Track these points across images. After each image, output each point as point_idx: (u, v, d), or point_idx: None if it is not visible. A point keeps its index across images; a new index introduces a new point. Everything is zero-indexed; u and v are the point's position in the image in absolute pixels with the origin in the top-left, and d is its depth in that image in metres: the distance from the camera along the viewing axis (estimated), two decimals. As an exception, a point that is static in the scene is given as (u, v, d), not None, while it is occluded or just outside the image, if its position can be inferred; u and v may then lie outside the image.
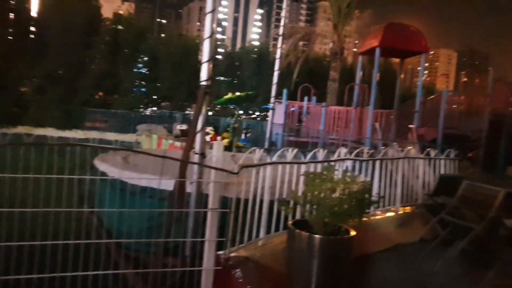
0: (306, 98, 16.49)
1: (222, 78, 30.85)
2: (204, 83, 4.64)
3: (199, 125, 4.58)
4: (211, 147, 5.02)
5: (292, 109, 16.13)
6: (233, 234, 3.72)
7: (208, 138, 13.10)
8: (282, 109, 15.35)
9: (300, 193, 3.90)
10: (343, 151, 5.26)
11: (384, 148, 6.47)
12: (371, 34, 12.71)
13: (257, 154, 4.24)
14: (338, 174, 3.75)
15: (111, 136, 19.01)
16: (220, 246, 3.63)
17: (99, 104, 24.50)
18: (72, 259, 2.82)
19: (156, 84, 27.13)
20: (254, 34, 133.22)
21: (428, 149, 6.84)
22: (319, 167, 4.49)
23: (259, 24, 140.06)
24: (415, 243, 5.13)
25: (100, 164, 5.83)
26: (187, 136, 4.89)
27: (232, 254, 3.71)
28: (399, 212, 5.86)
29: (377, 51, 11.57)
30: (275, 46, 29.00)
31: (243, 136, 15.59)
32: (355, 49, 27.08)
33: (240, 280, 3.50)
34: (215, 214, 3.51)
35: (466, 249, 4.13)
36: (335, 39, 21.79)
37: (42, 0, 25.96)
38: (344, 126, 13.71)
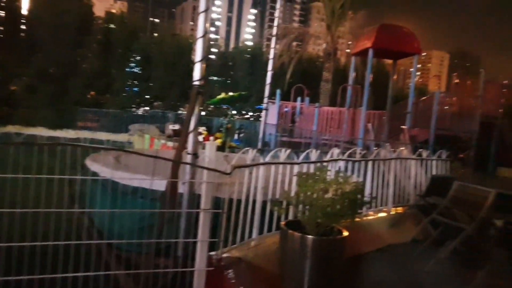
0: (299, 98, 16.52)
1: (215, 78, 30.79)
2: (197, 82, 4.62)
3: (192, 125, 4.56)
4: (203, 147, 5.01)
5: (285, 109, 16.14)
6: (225, 234, 3.71)
7: (201, 138, 13.06)
8: (276, 109, 15.36)
9: (293, 194, 3.90)
10: (335, 151, 5.27)
11: (376, 149, 6.50)
12: (364, 35, 12.76)
13: (250, 154, 4.23)
14: (330, 175, 3.75)
15: (103, 136, 18.87)
16: (212, 246, 3.61)
17: (91, 103, 24.31)
18: (63, 260, 2.79)
19: (149, 84, 27.01)
20: (248, 34, 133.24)
21: (420, 150, 6.89)
22: (312, 168, 4.49)
23: (253, 24, 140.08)
24: (407, 243, 5.16)
25: (92, 164, 5.78)
26: (180, 136, 4.87)
27: (225, 255, 3.70)
28: (391, 213, 5.89)
29: (370, 52, 11.62)
30: (268, 46, 29.01)
31: (236, 136, 15.57)
32: (348, 50, 27.18)
33: (233, 281, 3.48)
34: (208, 214, 3.49)
35: (458, 249, 4.16)
36: (328, 40, 21.85)
37: (34, -2, 25.79)
38: (337, 126, 13.74)
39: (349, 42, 30.00)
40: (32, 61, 23.94)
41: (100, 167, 5.67)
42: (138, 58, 27.51)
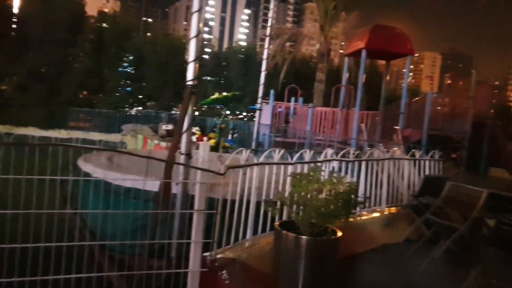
0: (293, 99, 16.54)
1: (208, 78, 30.71)
2: (190, 82, 4.60)
3: (185, 125, 4.54)
4: (197, 148, 4.99)
5: (279, 109, 16.14)
6: (219, 235, 3.69)
7: (194, 138, 13.02)
8: (269, 109, 15.36)
9: (287, 194, 3.89)
10: (329, 152, 5.27)
11: (370, 149, 6.52)
12: (357, 36, 12.80)
13: (244, 154, 4.22)
14: (324, 175, 3.75)
15: (95, 136, 18.72)
16: (206, 247, 3.60)
17: (83, 103, 24.11)
18: (54, 262, 2.75)
19: (142, 84, 26.85)
20: (241, 34, 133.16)
21: (413, 150, 6.92)
22: (306, 168, 4.49)
23: (246, 24, 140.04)
24: (400, 243, 5.18)
25: (84, 165, 5.73)
26: (173, 136, 4.84)
27: (219, 256, 3.68)
28: (384, 213, 5.91)
29: (363, 53, 11.66)
30: (262, 46, 29.01)
31: (229, 137, 15.54)
32: (341, 51, 27.27)
33: (227, 282, 3.47)
34: (201, 215, 3.47)
35: (451, 249, 4.18)
36: (321, 41, 21.91)
37: (25, -3, 25.51)
38: (331, 127, 13.77)
39: (342, 43, 30.10)
40: (23, 60, 23.69)
41: (93, 168, 5.62)
42: (131, 57, 27.34)
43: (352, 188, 3.63)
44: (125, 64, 27.73)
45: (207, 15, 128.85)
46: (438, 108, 12.04)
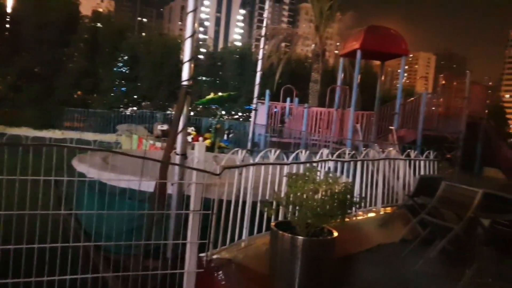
0: (288, 99, 16.54)
1: (204, 78, 30.65)
2: (185, 82, 4.59)
3: (181, 126, 4.52)
4: (192, 148, 4.97)
5: (275, 110, 16.14)
6: (215, 236, 3.68)
7: (189, 138, 12.99)
8: (265, 110, 15.34)
9: (282, 194, 3.89)
10: (325, 152, 5.28)
11: (365, 149, 6.53)
12: (352, 37, 12.83)
13: (240, 155, 4.21)
14: (320, 175, 3.75)
15: (90, 136, 18.64)
16: (202, 248, 3.58)
17: (78, 103, 23.96)
18: (49, 263, 2.73)
19: (137, 84, 26.73)
20: (236, 34, 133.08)
21: (408, 150, 6.95)
22: (301, 168, 4.49)
23: (241, 24, 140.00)
24: (396, 243, 5.19)
25: (78, 165, 5.69)
26: (168, 136, 4.82)
27: (215, 256, 3.67)
28: (380, 213, 5.93)
29: (358, 53, 11.68)
30: (257, 46, 28.97)
31: (225, 137, 15.51)
32: (336, 51, 27.33)
33: (223, 283, 3.46)
34: (197, 216, 3.46)
35: (446, 249, 4.19)
36: (317, 41, 21.94)
37: (18, -4, 25.31)
38: (326, 127, 13.80)
39: (338, 43, 30.17)
40: (17, 60, 23.49)
41: (87, 168, 5.59)
42: (125, 57, 27.22)
43: (348, 188, 3.64)
44: (120, 64, 27.59)
45: (202, 15, 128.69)
46: (433, 108, 12.10)
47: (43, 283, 2.70)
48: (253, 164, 4.11)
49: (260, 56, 10.06)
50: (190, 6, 4.67)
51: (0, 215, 2.58)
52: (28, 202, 2.71)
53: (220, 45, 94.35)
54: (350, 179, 5.47)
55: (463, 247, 4.24)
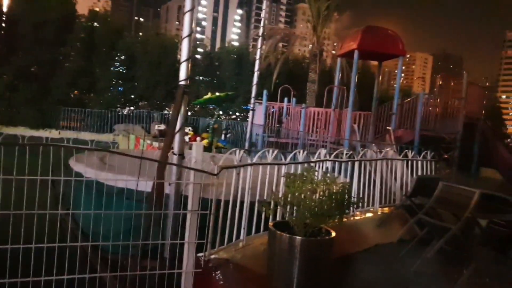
0: (286, 99, 16.55)
1: (201, 78, 30.60)
2: (182, 82, 4.58)
3: (178, 125, 4.51)
4: (190, 148, 4.96)
5: (272, 110, 16.15)
6: (213, 236, 3.67)
7: (187, 138, 12.97)
8: (262, 110, 15.35)
9: (280, 194, 3.88)
10: (323, 152, 5.28)
11: (362, 150, 6.54)
12: (350, 37, 12.84)
13: (238, 155, 4.20)
14: (318, 175, 3.75)
15: (87, 136, 18.59)
16: (200, 248, 3.57)
17: (74, 103, 23.87)
18: (46, 263, 2.71)
19: (134, 83, 26.64)
20: (234, 34, 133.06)
21: (405, 150, 6.96)
22: (299, 168, 4.49)
23: (239, 24, 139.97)
24: (393, 243, 5.20)
25: (76, 165, 5.67)
26: (166, 136, 4.81)
27: (212, 256, 3.66)
28: (378, 213, 5.94)
29: (356, 53, 11.69)
30: (254, 46, 29.00)
31: (222, 137, 15.50)
32: (334, 51, 27.35)
33: (221, 283, 3.45)
34: (195, 216, 3.45)
35: (443, 249, 4.20)
36: (314, 41, 21.97)
37: (14, -5, 25.18)
38: (323, 127, 13.81)
39: (335, 44, 30.21)
40: (13, 60, 23.36)
41: (84, 168, 5.56)
42: (122, 57, 27.12)
43: (346, 188, 3.64)
44: (117, 64, 27.50)
45: (199, 15, 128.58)
46: (430, 108, 12.13)
47: (40, 283, 2.68)
48: (251, 164, 4.10)
49: (258, 56, 10.07)
50: (187, 5, 4.66)
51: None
52: (25, 202, 2.70)
53: (218, 45, 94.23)
54: (348, 179, 5.47)
55: (460, 247, 4.25)
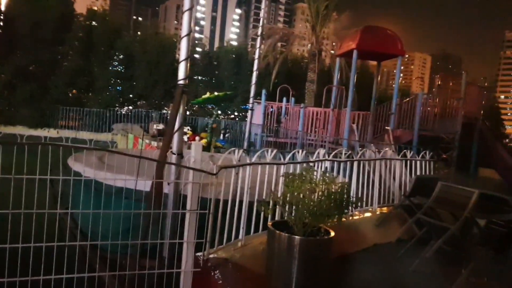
0: (284, 99, 16.55)
1: (200, 78, 30.55)
2: (181, 82, 4.57)
3: (177, 125, 4.50)
4: (189, 147, 4.95)
5: (271, 109, 16.15)
6: (212, 235, 3.67)
7: (185, 138, 12.96)
8: (261, 109, 15.34)
9: (279, 194, 3.88)
10: (321, 152, 5.28)
11: (361, 149, 6.54)
12: (349, 37, 12.85)
13: (236, 154, 4.20)
14: (317, 175, 3.75)
15: (85, 135, 18.58)
16: (199, 247, 3.57)
17: (73, 102, 23.82)
18: (45, 262, 2.71)
19: (132, 83, 26.58)
20: (232, 34, 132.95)
21: (404, 150, 6.97)
22: (298, 168, 4.49)
23: (237, 24, 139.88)
24: (392, 243, 5.20)
25: (74, 164, 5.66)
26: (164, 136, 4.80)
27: (211, 256, 3.66)
28: (376, 213, 5.94)
29: (355, 53, 11.70)
30: (253, 46, 28.93)
31: (221, 137, 15.50)
32: (332, 51, 27.34)
33: (220, 282, 3.45)
34: (194, 215, 3.45)
35: (442, 249, 4.20)
36: (313, 41, 21.97)
37: (12, -6, 25.09)
38: (322, 127, 13.81)
39: (334, 43, 30.19)
40: (11, 59, 23.29)
41: (83, 167, 5.55)
42: (121, 56, 27.06)
43: (345, 188, 3.64)
44: (115, 63, 27.43)
45: (198, 14, 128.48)
46: (429, 108, 12.15)
47: (39, 282, 2.68)
48: (250, 164, 4.10)
49: (256, 55, 10.05)
50: (186, 4, 4.65)
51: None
52: (23, 201, 2.69)
53: (216, 44, 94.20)
54: (347, 179, 5.47)
55: (459, 247, 4.26)
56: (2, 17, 24.93)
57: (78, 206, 4.49)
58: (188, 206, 3.50)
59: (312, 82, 21.63)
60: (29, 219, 2.70)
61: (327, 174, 3.79)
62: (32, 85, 23.18)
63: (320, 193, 3.51)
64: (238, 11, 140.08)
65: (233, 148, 4.47)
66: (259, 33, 10.41)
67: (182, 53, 4.69)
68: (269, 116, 15.93)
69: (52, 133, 20.23)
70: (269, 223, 3.64)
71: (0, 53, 23.53)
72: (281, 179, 4.11)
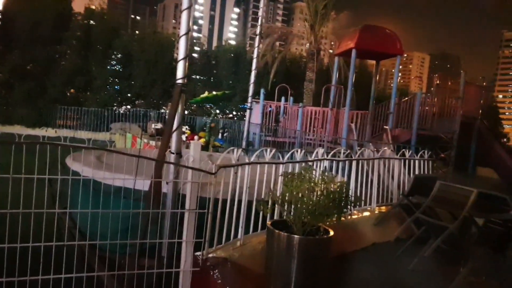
0: (283, 98, 16.55)
1: (198, 77, 30.52)
2: (180, 81, 4.55)
3: (175, 124, 4.49)
4: (187, 147, 4.95)
5: (269, 109, 16.14)
6: (211, 234, 3.67)
7: (184, 137, 12.94)
8: (260, 109, 15.34)
9: (278, 193, 3.88)
10: (320, 151, 5.28)
11: (360, 149, 6.54)
12: (348, 36, 12.85)
13: (235, 154, 4.19)
14: (316, 174, 3.75)
15: (83, 134, 18.56)
16: (198, 247, 3.57)
17: (71, 101, 23.78)
18: (44, 262, 2.70)
19: (130, 82, 26.54)
20: (231, 33, 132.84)
21: (402, 149, 6.97)
22: (297, 167, 4.49)
23: (236, 23, 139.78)
24: (391, 242, 5.21)
25: (73, 164, 5.63)
26: (163, 135, 4.80)
27: (210, 255, 3.66)
28: (375, 212, 5.95)
29: (353, 52, 11.70)
30: (251, 45, 28.96)
31: (220, 136, 15.48)
32: (331, 51, 27.35)
33: (219, 282, 3.45)
34: (193, 214, 3.45)
35: (440, 248, 4.21)
36: (311, 40, 21.97)
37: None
38: (321, 126, 13.82)
39: (332, 43, 30.21)
40: (9, 58, 23.24)
41: (81, 166, 5.53)
42: (119, 55, 27.01)
43: (344, 187, 3.64)
44: (113, 62, 27.38)
45: (196, 13, 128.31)
46: (427, 108, 12.17)
47: (37, 282, 2.67)
48: (248, 163, 4.10)
49: (255, 54, 10.03)
50: (185, 3, 4.63)
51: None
52: (22, 200, 2.68)
53: (215, 43, 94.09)
54: (346, 179, 5.48)
55: (457, 246, 4.26)
56: (0, 16, 24.88)
57: (76, 205, 4.48)
58: (187, 206, 3.49)
59: (310, 82, 21.64)
60: (27, 218, 2.69)
61: (326, 174, 3.79)
62: (30, 84, 23.13)
63: (319, 192, 3.50)
64: (237, 10, 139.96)
65: (231, 148, 4.46)
66: (257, 32, 10.39)
67: (181, 52, 4.68)
68: (268, 116, 15.93)
69: (50, 132, 20.21)
70: (268, 223, 3.64)
71: (-4, 52, 23.50)
72: (280, 179, 4.11)
